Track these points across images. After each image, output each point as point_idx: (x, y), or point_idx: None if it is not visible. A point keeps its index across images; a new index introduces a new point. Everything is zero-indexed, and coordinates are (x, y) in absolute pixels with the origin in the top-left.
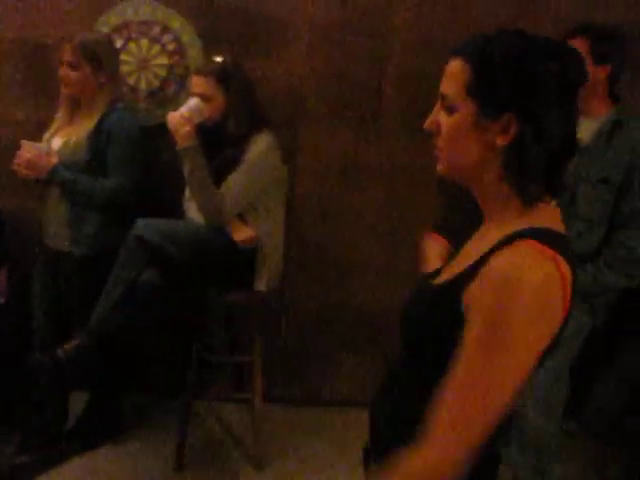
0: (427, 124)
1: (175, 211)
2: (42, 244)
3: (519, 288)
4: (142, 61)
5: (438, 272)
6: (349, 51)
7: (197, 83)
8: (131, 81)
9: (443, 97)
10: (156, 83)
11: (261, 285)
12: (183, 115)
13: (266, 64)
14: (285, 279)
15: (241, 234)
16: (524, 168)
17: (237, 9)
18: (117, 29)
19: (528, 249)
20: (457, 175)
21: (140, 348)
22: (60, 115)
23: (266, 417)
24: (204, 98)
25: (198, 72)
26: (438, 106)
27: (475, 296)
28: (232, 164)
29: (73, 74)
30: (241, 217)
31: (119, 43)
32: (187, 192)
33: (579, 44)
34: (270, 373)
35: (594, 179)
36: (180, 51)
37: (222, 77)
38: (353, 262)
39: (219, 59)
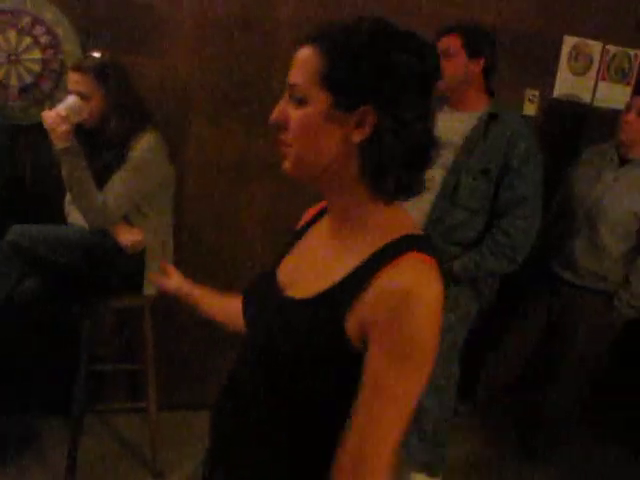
0: (273, 117)
1: (56, 215)
2: None
3: (421, 304)
4: (12, 55)
5: (274, 274)
6: (236, 47)
7: (74, 80)
8: (1, 76)
9: (292, 87)
10: (29, 79)
11: (150, 289)
12: (60, 114)
13: (149, 60)
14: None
15: (126, 237)
16: (382, 165)
17: (119, 3)
18: None
19: (417, 263)
20: (307, 174)
21: (23, 362)
22: None
23: (162, 425)
24: (82, 96)
25: (75, 68)
26: (286, 97)
27: (372, 317)
28: (115, 165)
29: None
30: (127, 220)
31: None
32: (68, 195)
33: (453, 40)
34: (164, 380)
35: (474, 170)
36: (54, 45)
37: (101, 74)
38: (246, 261)
39: (97, 54)
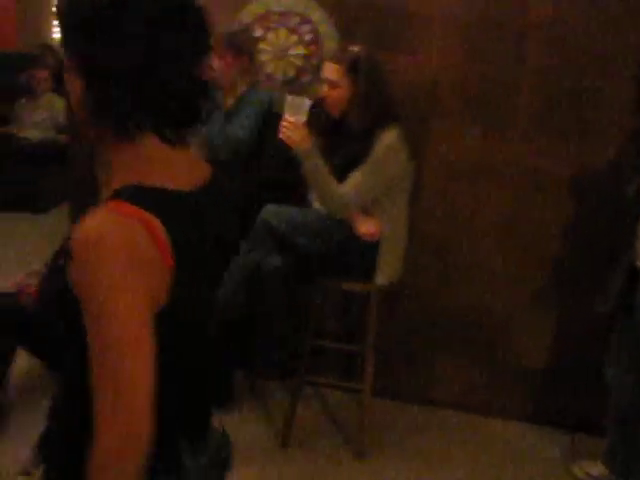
0: None
1: (304, 198)
2: None
3: (99, 250)
4: (280, 50)
5: None
6: (486, 47)
7: (328, 69)
8: (268, 69)
9: None
10: (292, 72)
11: (382, 279)
12: (289, 121)
13: (401, 57)
14: (408, 272)
15: (364, 227)
16: (102, 109)
17: (375, 2)
18: (258, 19)
19: (108, 211)
20: (83, 129)
21: (258, 329)
22: None
23: (372, 409)
24: (331, 84)
25: (331, 58)
26: None
27: (71, 272)
28: (358, 159)
29: (217, 62)
30: (365, 210)
31: (259, 32)
32: None
33: None
34: (379, 366)
35: None
36: (317, 42)
37: (352, 67)
38: (471, 263)
39: (355, 49)
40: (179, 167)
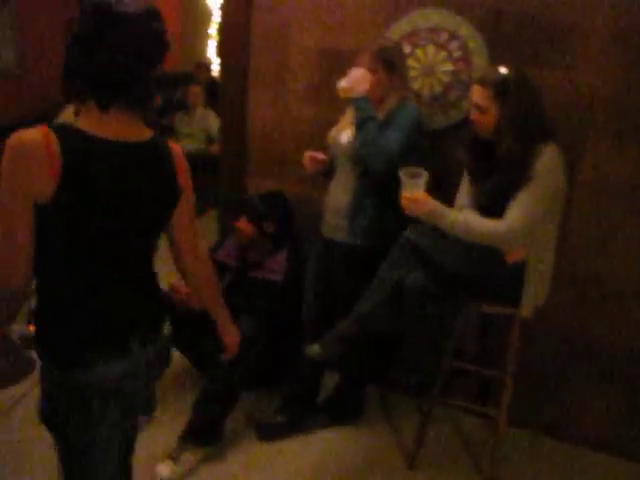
0: None
1: None
2: (319, 233)
3: (7, 146)
4: (427, 67)
5: None
6: None
7: (476, 92)
8: (415, 86)
9: None
10: (439, 89)
11: (527, 304)
12: (407, 198)
13: (553, 73)
14: (551, 300)
15: (513, 254)
16: (70, 75)
17: (525, 16)
18: (406, 36)
19: (30, 129)
20: None
21: (396, 345)
22: (347, 115)
23: (505, 438)
24: (479, 109)
25: (478, 81)
26: None
27: None
28: (511, 183)
29: (369, 76)
30: None
31: (407, 49)
32: (460, 200)
33: None
34: (516, 393)
35: None
36: (465, 58)
37: (500, 91)
38: (626, 293)
39: (503, 70)
40: (111, 124)
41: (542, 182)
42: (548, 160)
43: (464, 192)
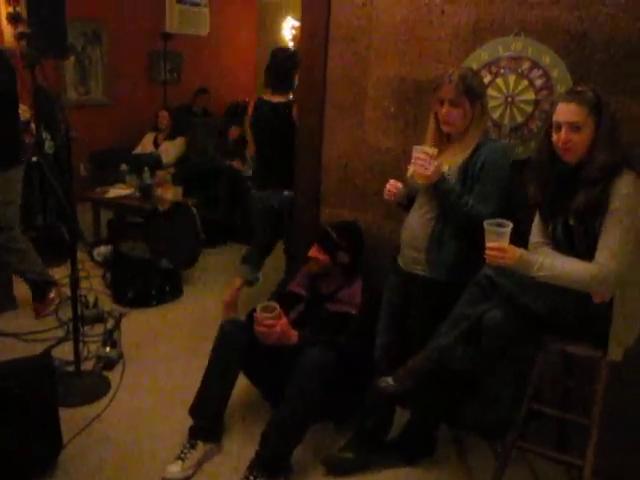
0: None
1: None
2: (396, 264)
3: None
4: (508, 96)
5: None
6: None
7: (568, 110)
8: (495, 116)
9: None
10: (520, 119)
11: (615, 347)
12: (493, 248)
13: (637, 103)
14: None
15: (600, 293)
16: None
17: (612, 41)
18: (486, 65)
19: None
20: None
21: (473, 383)
22: (426, 146)
23: None
24: (573, 127)
25: (568, 100)
26: None
27: None
28: (594, 207)
29: (455, 111)
30: None
31: (487, 79)
32: (535, 237)
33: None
34: (603, 442)
35: None
36: (548, 87)
37: (595, 107)
38: None
39: (590, 88)
40: None
41: (626, 216)
42: (628, 189)
43: (538, 229)
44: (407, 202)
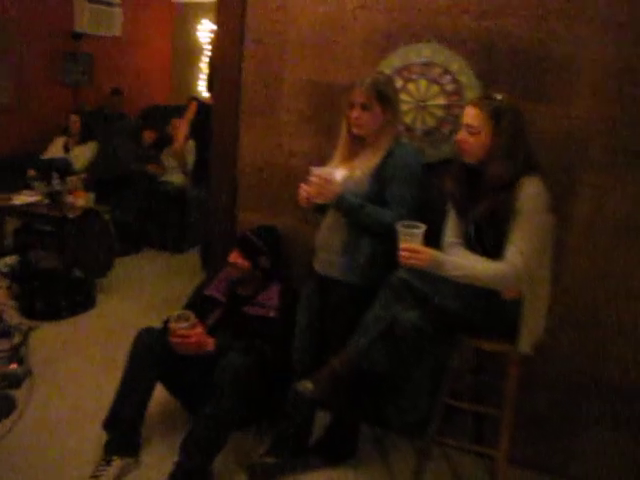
0: None
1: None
2: (312, 270)
3: None
4: (420, 101)
5: None
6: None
7: (469, 113)
8: (408, 120)
9: None
10: (432, 123)
11: (525, 342)
12: (406, 249)
13: (547, 108)
14: (547, 336)
15: (509, 290)
16: None
17: (518, 51)
18: (398, 70)
19: None
20: None
21: (391, 383)
22: (340, 150)
23: (504, 477)
24: (470, 129)
25: (473, 103)
26: None
27: None
28: (499, 212)
29: (365, 115)
30: None
31: (399, 84)
32: (448, 237)
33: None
34: (517, 432)
35: None
36: (458, 92)
37: (494, 114)
38: (626, 328)
39: (498, 96)
40: None
41: (532, 215)
42: (533, 191)
43: (451, 229)
44: (323, 206)
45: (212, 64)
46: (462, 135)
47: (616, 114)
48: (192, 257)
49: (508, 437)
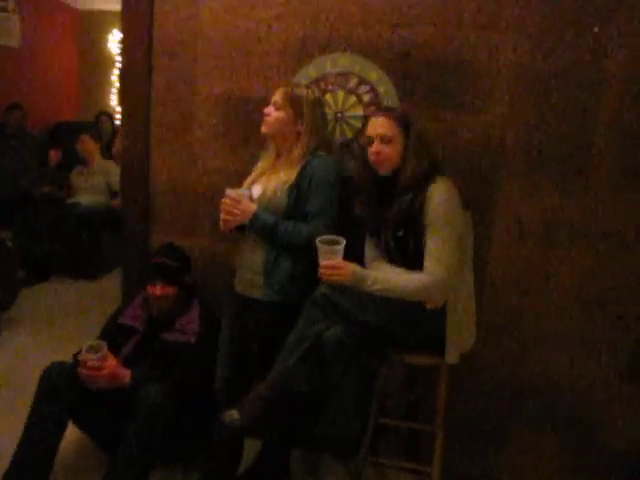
0: None
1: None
2: (232, 290)
3: None
4: (338, 112)
5: None
6: (555, 101)
7: (377, 124)
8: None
9: None
10: (350, 134)
11: (451, 352)
12: (326, 265)
13: (462, 116)
14: (478, 347)
15: (433, 302)
16: None
17: (433, 60)
18: (315, 81)
19: None
20: None
21: (319, 403)
22: (259, 165)
23: None
24: (384, 139)
25: (380, 114)
26: None
27: None
28: (414, 214)
29: (275, 113)
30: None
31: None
32: (369, 252)
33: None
34: (448, 445)
35: None
36: (376, 102)
37: (403, 123)
38: (547, 332)
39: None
40: None
41: (443, 224)
42: (441, 198)
43: (371, 244)
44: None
45: (122, 78)
46: (376, 147)
47: (528, 120)
48: (109, 283)
49: (440, 452)
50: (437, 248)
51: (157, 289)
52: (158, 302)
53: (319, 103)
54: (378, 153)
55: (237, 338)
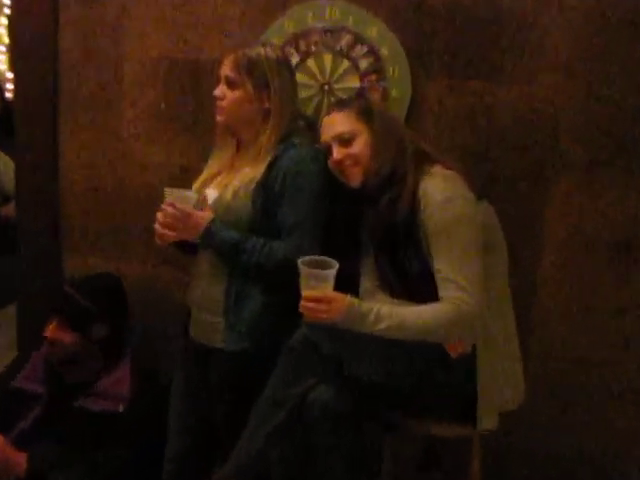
0: None
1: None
2: (186, 335)
3: None
4: (325, 84)
5: None
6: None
7: (331, 123)
8: (309, 110)
9: None
10: None
11: (486, 418)
12: (310, 296)
13: (497, 87)
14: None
15: (454, 345)
16: None
17: (456, 9)
18: (292, 40)
19: None
20: None
21: None
22: (214, 159)
23: None
24: (343, 140)
25: (330, 110)
26: None
27: None
28: (392, 221)
29: (230, 94)
30: None
31: (294, 59)
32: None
33: None
34: None
35: None
36: (377, 69)
37: (364, 110)
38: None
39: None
40: None
41: (451, 233)
42: (441, 198)
43: (368, 271)
44: (188, 244)
45: (14, 32)
46: (337, 153)
47: (587, 97)
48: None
49: None
50: (451, 267)
51: (49, 330)
52: (51, 348)
53: (285, 64)
54: (340, 161)
55: (194, 396)
